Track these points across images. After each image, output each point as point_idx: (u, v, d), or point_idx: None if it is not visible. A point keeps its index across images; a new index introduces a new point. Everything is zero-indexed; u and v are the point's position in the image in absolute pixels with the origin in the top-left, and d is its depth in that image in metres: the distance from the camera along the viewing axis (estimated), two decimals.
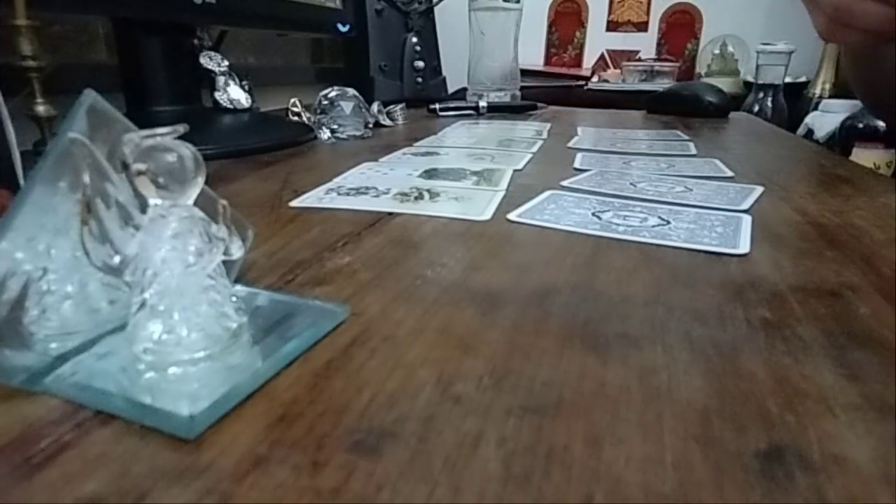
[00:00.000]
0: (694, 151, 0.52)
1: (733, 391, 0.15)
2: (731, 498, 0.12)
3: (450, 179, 0.40)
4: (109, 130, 0.17)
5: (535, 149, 0.53)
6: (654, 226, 0.29)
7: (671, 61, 1.38)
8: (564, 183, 0.40)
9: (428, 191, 0.36)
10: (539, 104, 0.86)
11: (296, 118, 0.64)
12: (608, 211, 0.32)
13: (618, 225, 0.30)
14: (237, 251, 0.18)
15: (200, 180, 0.16)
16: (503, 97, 0.87)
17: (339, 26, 0.76)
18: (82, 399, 0.15)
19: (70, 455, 0.13)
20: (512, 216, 0.31)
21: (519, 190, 0.38)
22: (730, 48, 1.39)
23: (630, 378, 0.16)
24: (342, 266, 0.24)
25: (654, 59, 1.40)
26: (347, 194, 0.36)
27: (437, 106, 0.81)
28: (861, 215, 0.33)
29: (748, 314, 0.20)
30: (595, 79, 1.33)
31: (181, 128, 0.16)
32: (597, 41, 1.46)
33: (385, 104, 0.70)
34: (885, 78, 0.49)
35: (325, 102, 0.58)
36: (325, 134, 0.58)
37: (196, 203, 0.17)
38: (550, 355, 0.17)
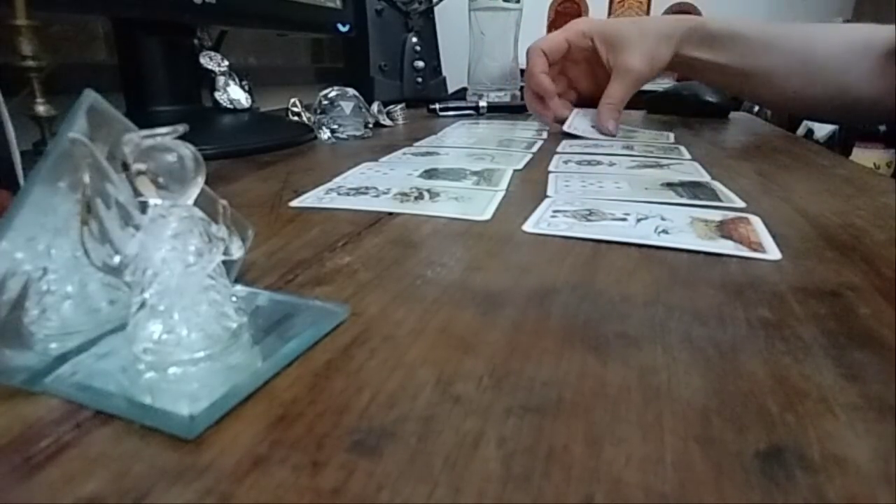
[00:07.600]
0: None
1: (733, 391, 0.15)
2: (731, 498, 0.12)
3: (450, 179, 0.40)
4: (109, 130, 0.17)
5: (535, 149, 0.53)
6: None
7: None
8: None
9: (428, 191, 0.36)
10: None
11: (296, 118, 0.64)
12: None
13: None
14: (237, 251, 0.18)
15: (200, 180, 0.16)
16: (503, 97, 0.87)
17: (339, 26, 0.76)
18: (82, 399, 0.15)
19: (70, 455, 0.13)
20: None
21: (519, 190, 0.38)
22: None
23: (630, 378, 0.16)
24: (342, 266, 0.24)
25: None
26: (347, 194, 0.36)
27: (437, 106, 0.81)
28: (861, 215, 0.33)
29: (748, 314, 0.20)
30: None
31: (181, 128, 0.16)
32: None
33: (385, 104, 0.70)
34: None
35: (325, 102, 0.58)
36: (325, 134, 0.58)
37: (196, 203, 0.17)
38: (550, 355, 0.17)
